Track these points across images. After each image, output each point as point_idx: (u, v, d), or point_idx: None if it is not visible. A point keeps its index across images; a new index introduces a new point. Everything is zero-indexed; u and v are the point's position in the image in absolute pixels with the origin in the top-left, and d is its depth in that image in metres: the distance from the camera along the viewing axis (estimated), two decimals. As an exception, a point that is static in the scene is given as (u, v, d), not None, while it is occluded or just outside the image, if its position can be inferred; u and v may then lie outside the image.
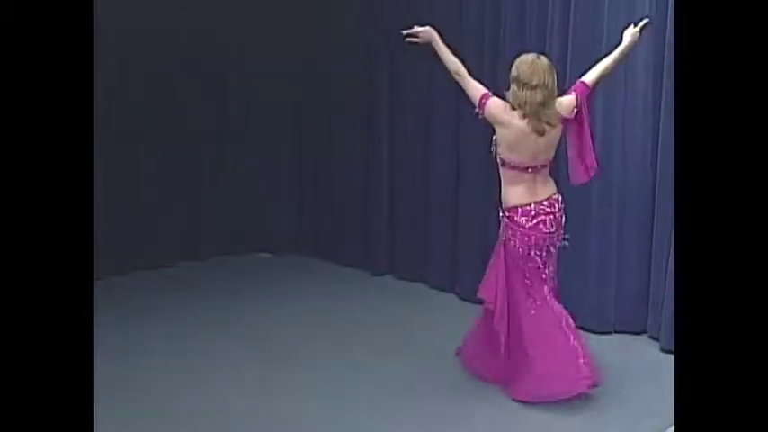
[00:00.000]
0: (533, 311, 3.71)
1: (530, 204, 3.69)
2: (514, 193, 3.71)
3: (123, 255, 5.52)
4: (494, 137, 3.78)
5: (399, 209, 5.61)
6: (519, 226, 3.69)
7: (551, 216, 3.74)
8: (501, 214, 3.82)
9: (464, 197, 5.20)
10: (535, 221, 3.69)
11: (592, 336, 4.46)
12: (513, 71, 3.67)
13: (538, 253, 3.71)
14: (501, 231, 3.82)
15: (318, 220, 6.30)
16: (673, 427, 2.97)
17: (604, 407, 3.50)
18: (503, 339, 3.72)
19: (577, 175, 3.85)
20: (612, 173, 4.44)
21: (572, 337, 3.68)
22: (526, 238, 3.69)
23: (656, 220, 4.33)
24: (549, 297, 3.74)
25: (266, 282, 5.65)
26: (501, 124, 3.68)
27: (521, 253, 3.71)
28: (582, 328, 4.52)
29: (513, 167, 3.69)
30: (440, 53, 3.80)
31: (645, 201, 4.40)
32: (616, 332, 4.50)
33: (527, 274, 3.74)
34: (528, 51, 4.57)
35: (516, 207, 3.70)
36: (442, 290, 5.24)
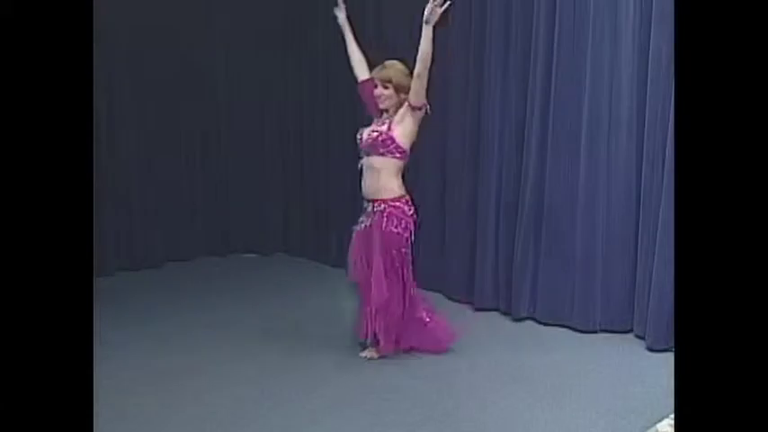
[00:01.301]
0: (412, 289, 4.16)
1: (406, 194, 4.09)
2: (400, 184, 4.08)
3: (113, 254, 5.50)
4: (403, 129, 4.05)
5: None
6: (404, 214, 4.04)
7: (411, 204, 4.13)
8: (382, 205, 4.04)
9: (449, 198, 5.24)
10: (412, 210, 4.08)
11: (578, 335, 4.53)
12: (404, 75, 4.01)
13: (412, 239, 4.08)
14: (380, 221, 4.03)
15: (306, 220, 6.31)
16: (658, 425, 3.03)
17: (590, 405, 3.53)
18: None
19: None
20: (598, 174, 4.49)
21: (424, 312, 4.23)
22: (407, 225, 4.03)
23: (640, 220, 4.38)
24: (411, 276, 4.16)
25: (259, 282, 5.66)
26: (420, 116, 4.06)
27: (404, 239, 4.03)
28: (568, 327, 4.61)
29: (406, 158, 4.09)
30: (426, 42, 3.85)
31: (630, 201, 4.44)
32: (602, 331, 4.54)
33: (401, 258, 4.05)
34: (513, 61, 4.69)
35: (400, 197, 4.06)
36: (429, 290, 5.25)
